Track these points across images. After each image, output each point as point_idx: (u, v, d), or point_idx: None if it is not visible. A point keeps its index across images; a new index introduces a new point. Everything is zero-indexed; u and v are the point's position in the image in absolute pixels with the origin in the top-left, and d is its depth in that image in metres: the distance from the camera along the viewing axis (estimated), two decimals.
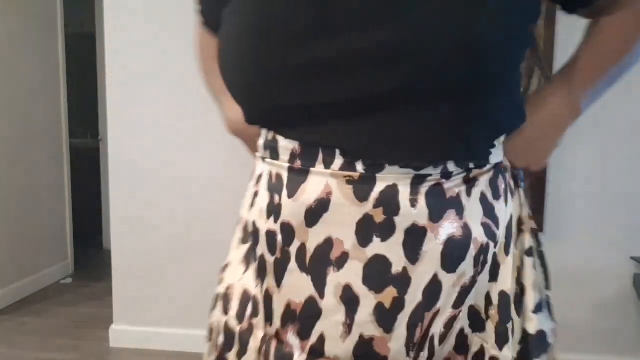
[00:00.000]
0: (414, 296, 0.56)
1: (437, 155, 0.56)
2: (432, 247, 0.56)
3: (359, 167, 0.55)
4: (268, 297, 0.61)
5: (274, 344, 0.60)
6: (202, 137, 2.28)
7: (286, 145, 0.59)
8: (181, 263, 2.38)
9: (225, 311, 0.66)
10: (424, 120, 0.54)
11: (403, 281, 0.55)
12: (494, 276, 0.60)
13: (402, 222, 0.55)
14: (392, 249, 0.55)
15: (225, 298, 0.67)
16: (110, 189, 2.41)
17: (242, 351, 0.63)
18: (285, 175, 0.60)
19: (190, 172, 2.33)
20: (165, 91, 2.31)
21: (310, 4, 0.52)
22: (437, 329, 0.58)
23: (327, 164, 0.56)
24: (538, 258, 0.66)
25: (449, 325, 0.58)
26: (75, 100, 3.92)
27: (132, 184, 2.37)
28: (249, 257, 0.66)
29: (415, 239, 0.55)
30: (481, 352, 0.60)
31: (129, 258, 2.42)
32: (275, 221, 0.60)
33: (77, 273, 3.63)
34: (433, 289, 0.56)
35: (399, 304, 0.56)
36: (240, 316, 0.64)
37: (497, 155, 0.61)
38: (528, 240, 0.65)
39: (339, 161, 0.56)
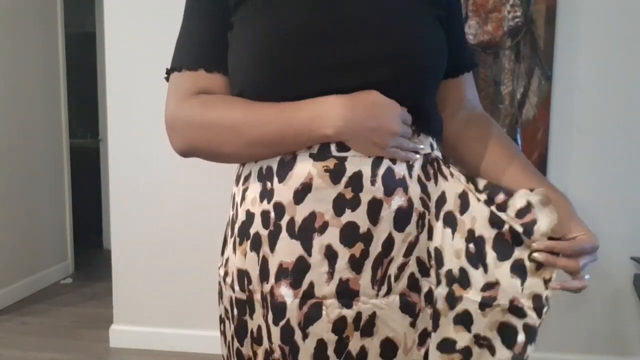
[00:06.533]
0: (375, 248, 0.77)
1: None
2: (387, 214, 0.76)
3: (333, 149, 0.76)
4: (264, 262, 0.79)
5: (269, 299, 0.78)
6: None
7: None
8: (181, 263, 2.38)
9: (232, 290, 0.84)
10: None
11: (368, 238, 0.76)
12: (430, 236, 0.81)
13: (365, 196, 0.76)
14: (359, 216, 0.76)
15: (230, 282, 0.85)
16: (110, 189, 2.42)
17: (252, 311, 0.82)
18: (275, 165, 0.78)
19: (191, 173, 2.33)
20: (165, 91, 2.30)
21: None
22: (392, 271, 0.78)
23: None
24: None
25: (401, 268, 0.78)
26: (75, 100, 3.92)
27: (132, 184, 2.37)
28: (239, 241, 0.83)
29: (375, 208, 0.76)
30: (430, 292, 0.80)
31: (129, 258, 2.42)
32: (269, 202, 0.78)
33: (77, 273, 3.63)
34: (388, 243, 0.77)
35: (365, 254, 0.76)
36: (242, 289, 0.82)
37: (426, 148, 0.81)
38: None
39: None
